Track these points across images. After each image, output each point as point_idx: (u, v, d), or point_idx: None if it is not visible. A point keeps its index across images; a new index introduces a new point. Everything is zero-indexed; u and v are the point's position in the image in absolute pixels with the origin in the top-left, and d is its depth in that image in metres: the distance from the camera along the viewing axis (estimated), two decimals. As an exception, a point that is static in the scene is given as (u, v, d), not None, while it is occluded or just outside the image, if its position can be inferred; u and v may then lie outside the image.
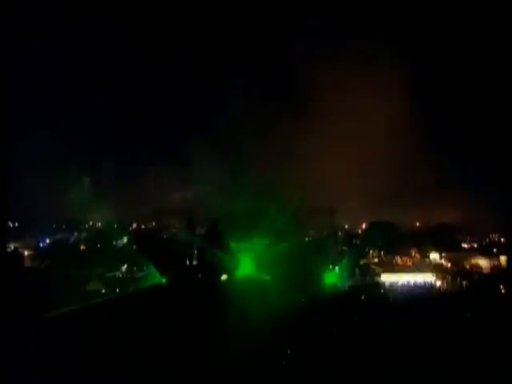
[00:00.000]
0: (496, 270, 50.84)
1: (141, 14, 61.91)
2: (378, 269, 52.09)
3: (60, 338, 23.12)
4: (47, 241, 59.82)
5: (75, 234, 63.39)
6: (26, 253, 53.51)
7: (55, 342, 22.36)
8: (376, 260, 57.49)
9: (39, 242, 58.80)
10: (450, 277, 48.94)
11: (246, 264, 49.53)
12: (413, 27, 59.00)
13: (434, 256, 57.50)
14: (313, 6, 61.83)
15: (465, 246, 62.42)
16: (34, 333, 22.91)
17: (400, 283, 47.63)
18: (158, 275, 45.93)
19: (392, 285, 47.17)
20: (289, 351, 23.43)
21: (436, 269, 52.37)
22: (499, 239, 61.14)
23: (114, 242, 60.44)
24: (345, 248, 57.44)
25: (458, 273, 50.23)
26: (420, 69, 60.77)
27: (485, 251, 56.13)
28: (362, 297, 40.36)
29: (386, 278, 48.64)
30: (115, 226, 62.20)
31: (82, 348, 21.98)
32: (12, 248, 51.09)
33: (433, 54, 61.29)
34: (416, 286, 46.73)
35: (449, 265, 55.01)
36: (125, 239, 61.20)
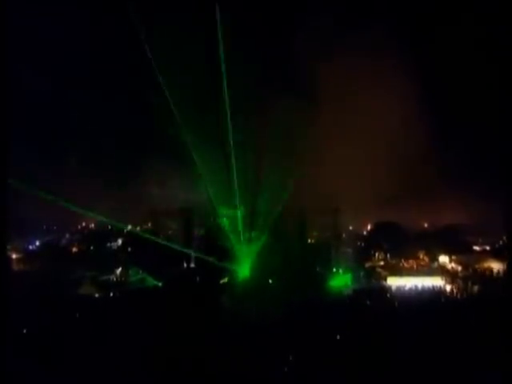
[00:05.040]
0: (510, 273, 48.89)
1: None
2: (383, 272, 51.08)
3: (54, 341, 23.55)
4: (37, 243, 58.37)
5: (67, 235, 62.01)
6: (13, 256, 51.94)
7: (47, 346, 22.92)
8: (382, 263, 56.21)
9: (28, 243, 57.33)
10: (460, 281, 47.49)
11: (247, 266, 48.47)
12: (421, 19, 56.88)
13: (444, 259, 55.74)
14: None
15: (476, 248, 60.40)
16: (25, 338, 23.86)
17: (407, 287, 46.49)
18: (153, 278, 45.59)
19: (399, 289, 46.06)
20: (290, 357, 22.97)
21: (445, 272, 50.93)
22: (513, 241, 59.11)
23: (108, 244, 59.36)
24: (349, 250, 55.90)
25: (469, 277, 48.69)
26: (425, 67, 58.70)
27: (498, 254, 53.81)
28: (368, 302, 39.42)
29: (393, 282, 47.58)
30: (109, 227, 61.26)
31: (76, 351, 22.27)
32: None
33: (437, 53, 59.24)
34: (424, 291, 45.32)
35: (459, 268, 53.29)
36: (119, 241, 59.84)
